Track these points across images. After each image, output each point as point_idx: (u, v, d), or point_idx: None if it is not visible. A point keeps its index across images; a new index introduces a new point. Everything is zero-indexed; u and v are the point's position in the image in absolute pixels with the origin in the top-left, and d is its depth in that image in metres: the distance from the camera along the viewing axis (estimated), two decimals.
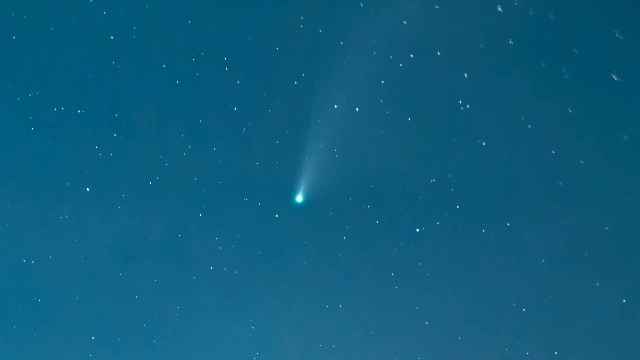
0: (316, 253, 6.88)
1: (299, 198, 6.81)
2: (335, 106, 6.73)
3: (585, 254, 6.72)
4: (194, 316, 7.06)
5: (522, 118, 6.63)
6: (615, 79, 6.48)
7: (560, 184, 6.68)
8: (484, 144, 6.69)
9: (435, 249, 6.80)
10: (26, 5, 6.68)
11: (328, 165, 6.76)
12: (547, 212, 6.70)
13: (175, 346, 7.13)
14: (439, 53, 6.66)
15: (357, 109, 6.74)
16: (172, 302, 7.02)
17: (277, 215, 6.86)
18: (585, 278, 6.64)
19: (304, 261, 6.90)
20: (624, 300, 6.71)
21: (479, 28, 6.63)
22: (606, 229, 6.69)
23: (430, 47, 6.66)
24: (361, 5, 6.66)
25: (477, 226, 6.75)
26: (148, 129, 6.79)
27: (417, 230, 6.80)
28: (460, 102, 6.67)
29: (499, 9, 6.60)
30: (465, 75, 6.66)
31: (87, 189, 6.82)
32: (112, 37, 6.69)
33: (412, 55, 6.68)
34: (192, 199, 6.83)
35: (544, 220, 6.69)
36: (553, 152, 6.66)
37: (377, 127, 6.75)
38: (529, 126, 6.63)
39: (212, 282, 6.91)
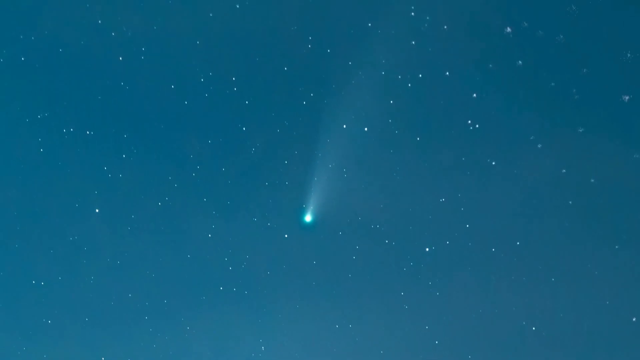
0: (326, 273, 6.88)
1: (308, 218, 6.82)
2: (344, 126, 6.73)
3: (596, 272, 6.73)
4: (204, 337, 7.06)
5: (531, 137, 6.64)
6: (625, 98, 6.49)
7: (570, 202, 6.69)
8: (493, 163, 6.70)
9: (445, 268, 6.81)
10: (35, 27, 6.69)
11: (337, 185, 6.77)
12: (557, 231, 6.70)
13: None
14: (447, 73, 6.66)
15: (365, 129, 6.74)
16: (182, 322, 7.02)
17: (286, 236, 6.86)
18: (595, 297, 6.64)
19: (314, 281, 6.90)
20: (634, 319, 6.71)
21: (488, 48, 6.65)
22: (616, 247, 6.70)
23: (439, 67, 6.67)
24: (369, 25, 6.67)
25: (487, 245, 6.75)
26: (157, 150, 6.79)
27: (427, 249, 6.81)
28: (469, 121, 6.68)
29: (508, 30, 6.61)
30: (474, 95, 6.67)
31: (97, 210, 6.83)
32: (120, 58, 6.70)
33: (420, 75, 6.68)
34: (201, 220, 6.84)
35: (554, 239, 6.69)
36: (563, 171, 6.67)
37: (386, 147, 6.76)
38: (539, 145, 6.64)
39: (222, 303, 6.91)
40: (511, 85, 6.67)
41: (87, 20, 6.60)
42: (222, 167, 6.83)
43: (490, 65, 6.66)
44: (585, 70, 6.59)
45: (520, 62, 6.64)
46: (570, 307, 6.67)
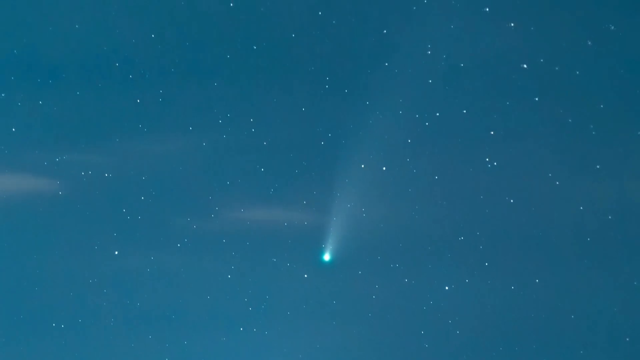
0: (346, 312, 6.86)
1: (327, 257, 6.82)
2: (362, 166, 6.75)
3: (615, 309, 6.72)
4: None
5: (549, 175, 6.64)
6: None
7: (588, 239, 6.69)
8: (511, 201, 6.70)
9: (465, 307, 6.78)
10: (48, 68, 6.76)
11: (356, 224, 6.77)
12: (577, 268, 6.68)
13: None
14: (464, 111, 6.68)
15: (384, 168, 6.76)
16: None
17: (306, 275, 6.86)
18: (616, 335, 6.63)
19: (334, 321, 6.88)
20: None
21: (505, 85, 6.66)
22: (635, 283, 6.70)
23: (456, 106, 6.69)
24: (386, 64, 6.69)
25: (506, 283, 6.73)
26: (175, 191, 6.81)
27: (447, 288, 6.79)
28: (487, 159, 6.68)
29: (524, 66, 6.62)
30: (492, 132, 6.68)
31: (116, 252, 6.85)
32: (138, 100, 6.75)
33: (438, 114, 6.70)
34: (220, 261, 6.84)
35: (574, 277, 6.67)
36: (581, 209, 6.67)
37: (405, 186, 6.76)
38: (557, 182, 6.64)
39: (242, 344, 6.89)
40: (528, 122, 6.69)
41: (105, 66, 6.69)
42: (241, 208, 6.86)
43: (507, 103, 6.68)
44: (602, 106, 6.61)
45: (536, 98, 6.66)
46: (591, 346, 6.64)
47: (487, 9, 6.64)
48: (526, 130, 6.66)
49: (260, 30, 6.75)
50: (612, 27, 6.55)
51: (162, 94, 6.74)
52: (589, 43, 6.57)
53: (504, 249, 6.74)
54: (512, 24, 6.63)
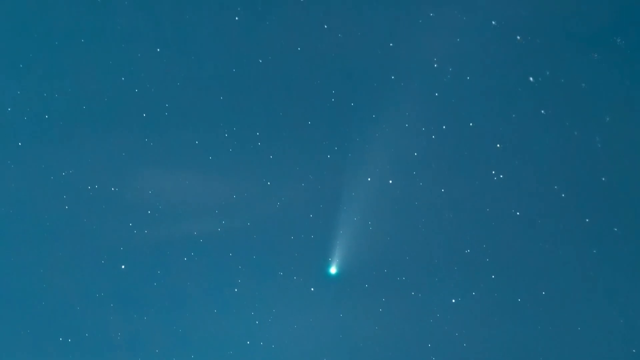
0: (353, 326, 6.87)
1: (333, 270, 6.82)
2: (369, 179, 6.75)
3: (621, 320, 6.74)
4: None
5: (555, 187, 6.66)
6: None
7: (594, 251, 6.71)
8: (517, 213, 6.71)
9: (472, 320, 6.80)
10: (59, 84, 6.75)
11: (363, 237, 6.78)
12: (583, 281, 6.70)
13: None
14: (471, 124, 6.69)
15: (390, 182, 6.77)
16: None
17: (312, 289, 6.86)
18: (623, 347, 6.64)
19: (341, 334, 6.89)
20: None
21: (511, 98, 6.67)
22: None
23: (462, 118, 6.70)
24: (392, 78, 6.69)
25: (513, 296, 6.74)
26: (182, 205, 6.81)
27: (453, 300, 6.80)
28: (493, 172, 6.70)
29: (531, 79, 6.63)
30: (498, 145, 6.69)
31: (123, 267, 6.84)
32: (144, 115, 6.73)
33: (444, 127, 6.71)
34: (227, 275, 6.85)
35: (580, 289, 6.69)
36: (587, 221, 6.69)
37: (411, 199, 6.78)
38: (563, 195, 6.66)
39: (249, 358, 6.90)
40: (534, 135, 6.70)
41: (110, 79, 6.68)
42: (247, 221, 6.86)
43: (514, 115, 6.69)
44: (608, 118, 6.62)
45: (543, 111, 6.67)
46: (599, 357, 6.68)
47: (494, 22, 6.65)
48: (532, 142, 6.68)
49: (266, 43, 6.74)
50: (618, 41, 6.57)
51: (168, 107, 6.73)
52: (595, 56, 6.59)
53: (510, 262, 6.75)
54: (519, 37, 6.64)
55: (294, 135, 6.75)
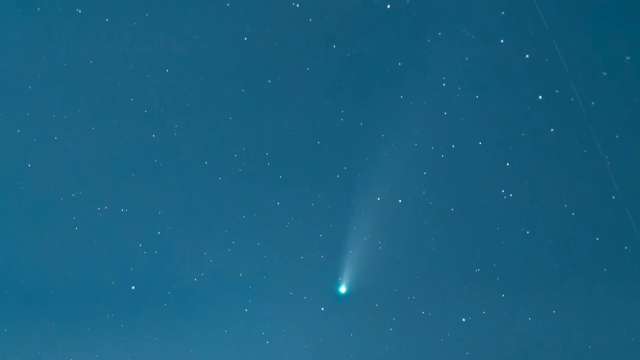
0: (363, 345, 6.88)
1: (343, 289, 6.83)
2: (378, 198, 6.76)
3: (632, 338, 6.73)
4: None
5: (565, 205, 6.65)
6: None
7: (605, 270, 6.70)
8: (527, 232, 6.70)
9: (482, 339, 6.80)
10: (69, 106, 6.77)
11: (373, 257, 6.78)
12: (593, 298, 6.69)
13: None
14: (480, 143, 6.68)
15: (400, 201, 6.77)
16: None
17: (322, 309, 6.87)
18: None
19: (351, 354, 6.90)
20: None
21: (520, 117, 6.65)
22: None
23: (471, 137, 6.68)
24: (401, 97, 6.69)
25: (523, 314, 6.73)
26: (192, 226, 6.82)
27: (464, 319, 6.80)
28: (502, 191, 6.69)
29: (540, 97, 6.62)
30: (507, 164, 6.68)
31: (133, 287, 6.86)
32: (153, 135, 6.75)
33: (453, 146, 6.70)
34: (237, 295, 6.86)
35: (590, 307, 6.68)
36: (597, 239, 6.68)
37: (421, 218, 6.77)
38: (573, 214, 6.65)
39: None
40: (544, 153, 6.69)
41: (121, 102, 6.70)
42: (257, 242, 6.87)
43: (523, 134, 6.68)
44: (617, 136, 6.61)
45: (552, 129, 6.65)
46: None
47: (502, 41, 6.63)
48: (542, 161, 6.67)
49: (274, 64, 6.75)
50: (628, 58, 6.55)
51: (177, 128, 6.75)
52: (604, 74, 6.57)
53: (520, 281, 6.75)
54: (527, 56, 6.63)
55: (303, 155, 6.76)
